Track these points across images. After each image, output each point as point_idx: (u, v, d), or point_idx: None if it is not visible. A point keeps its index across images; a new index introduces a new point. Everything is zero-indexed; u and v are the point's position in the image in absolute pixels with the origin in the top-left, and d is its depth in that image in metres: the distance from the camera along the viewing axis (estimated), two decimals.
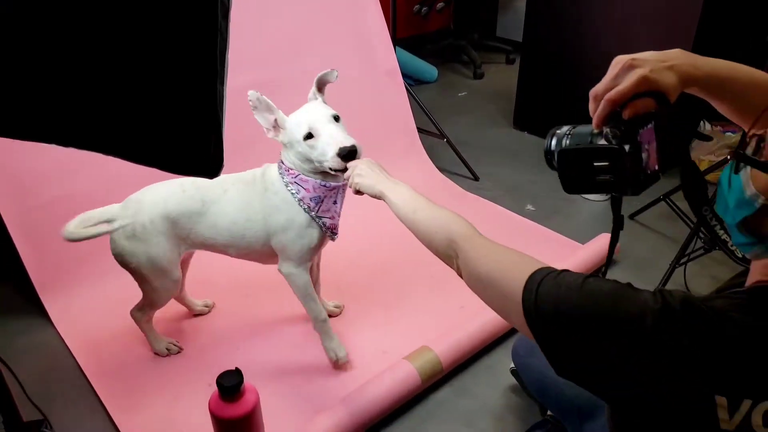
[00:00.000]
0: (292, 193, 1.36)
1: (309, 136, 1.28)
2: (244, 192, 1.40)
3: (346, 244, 2.02)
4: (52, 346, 1.63)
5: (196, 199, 1.39)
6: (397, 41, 3.45)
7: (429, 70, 3.62)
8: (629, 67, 0.78)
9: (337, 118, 1.31)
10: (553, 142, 0.87)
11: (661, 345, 0.64)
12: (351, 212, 1.58)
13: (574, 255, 1.85)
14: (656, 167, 0.82)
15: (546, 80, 2.76)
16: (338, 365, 1.52)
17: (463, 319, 1.61)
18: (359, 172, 1.19)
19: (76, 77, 0.75)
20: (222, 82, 0.80)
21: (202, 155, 0.81)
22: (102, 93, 0.77)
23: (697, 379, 0.63)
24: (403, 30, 3.93)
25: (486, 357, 1.59)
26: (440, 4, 3.86)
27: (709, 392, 0.63)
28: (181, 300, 1.67)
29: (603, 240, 1.93)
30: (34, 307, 1.72)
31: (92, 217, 1.38)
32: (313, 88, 1.37)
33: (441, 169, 2.52)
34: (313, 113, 1.30)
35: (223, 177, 1.42)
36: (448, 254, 0.95)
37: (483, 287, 0.87)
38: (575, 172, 0.84)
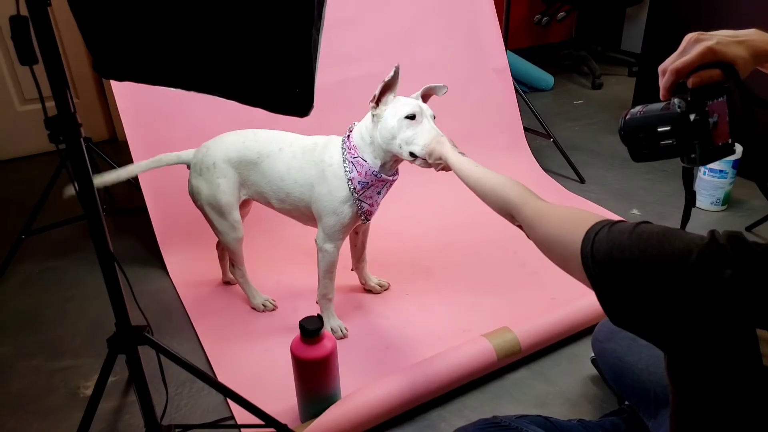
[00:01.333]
0: (345, 170, 1.43)
1: (411, 117, 1.35)
2: (299, 155, 1.50)
3: (439, 225, 2.10)
4: (165, 292, 1.82)
5: (253, 150, 1.52)
6: (516, 51, 3.48)
7: (545, 77, 3.59)
8: (696, 41, 0.80)
9: (434, 118, 1.40)
10: (627, 116, 0.89)
11: (703, 278, 0.64)
12: (445, 195, 1.64)
13: None
14: (729, 140, 0.83)
15: None
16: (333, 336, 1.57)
17: (550, 308, 1.61)
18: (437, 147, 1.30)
19: (200, 32, 0.87)
20: (318, 30, 0.88)
21: (295, 96, 0.91)
22: (218, 42, 0.89)
23: (738, 312, 0.62)
24: (523, 40, 3.94)
25: (569, 346, 1.57)
26: (561, 14, 3.83)
27: (751, 325, 0.61)
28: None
29: None
30: (156, 260, 1.94)
31: (166, 160, 1.58)
32: (418, 93, 1.44)
33: (546, 170, 2.50)
34: (422, 104, 1.39)
35: (281, 135, 1.55)
36: (515, 224, 1.01)
37: (547, 247, 0.89)
38: (641, 139, 0.86)
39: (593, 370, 1.47)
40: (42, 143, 2.81)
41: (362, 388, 1.33)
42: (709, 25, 2.58)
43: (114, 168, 1.56)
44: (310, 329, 1.24)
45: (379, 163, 1.43)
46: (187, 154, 1.59)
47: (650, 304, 0.69)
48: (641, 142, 0.86)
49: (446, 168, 1.29)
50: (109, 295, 0.98)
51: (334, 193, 1.45)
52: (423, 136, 1.34)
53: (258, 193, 1.57)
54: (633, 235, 0.72)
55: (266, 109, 0.92)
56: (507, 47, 2.55)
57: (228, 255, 1.71)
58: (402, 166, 1.49)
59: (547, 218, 0.90)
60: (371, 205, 1.48)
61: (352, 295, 1.77)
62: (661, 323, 0.70)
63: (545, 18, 3.88)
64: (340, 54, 2.14)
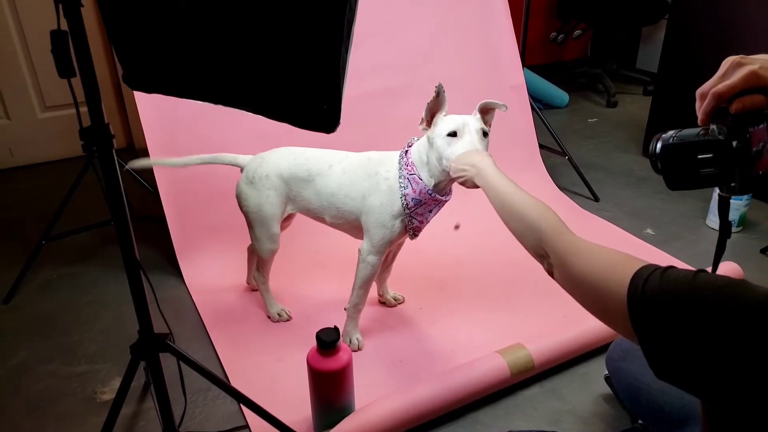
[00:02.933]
0: (401, 185, 1.44)
1: (453, 134, 1.34)
2: (350, 170, 1.51)
3: (454, 241, 2.11)
4: (181, 300, 1.84)
5: (304, 168, 1.54)
6: (531, 67, 3.50)
7: (560, 95, 3.61)
8: (738, 65, 0.76)
9: (485, 134, 1.37)
10: (659, 144, 0.85)
11: None
12: (461, 211, 1.65)
13: None
14: None
15: (680, 110, 2.65)
16: (350, 348, 1.58)
17: (563, 325, 1.61)
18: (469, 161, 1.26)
19: (231, 47, 0.90)
20: (346, 49, 0.90)
21: (323, 112, 0.93)
22: (249, 58, 0.91)
23: None
24: (538, 56, 3.97)
25: (582, 364, 1.57)
26: (577, 32, 3.85)
27: None
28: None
29: (727, 267, 1.83)
30: (173, 269, 1.96)
31: (223, 158, 1.63)
32: (476, 109, 1.41)
33: (560, 188, 2.51)
34: (466, 119, 1.37)
35: (330, 153, 1.57)
36: (539, 253, 0.95)
37: (580, 287, 0.84)
38: (679, 166, 0.82)
39: (606, 389, 1.47)
40: (62, 149, 2.86)
41: (376, 400, 1.33)
42: (726, 46, 2.58)
43: (137, 178, 1.59)
44: (327, 341, 1.25)
45: (433, 182, 1.42)
46: (244, 158, 1.63)
47: (710, 360, 0.64)
48: (679, 170, 0.82)
49: (470, 182, 1.23)
50: (134, 303, 1.00)
51: (386, 206, 1.46)
52: (457, 150, 1.32)
53: (307, 209, 1.59)
54: (693, 285, 0.67)
55: (293, 124, 0.94)
56: (523, 64, 2.57)
57: (257, 261, 1.72)
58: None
59: (585, 255, 0.84)
60: (421, 222, 1.48)
61: (366, 309, 1.78)
62: (719, 379, 0.65)
63: (561, 35, 3.90)
64: (358, 68, 2.15)
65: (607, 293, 0.76)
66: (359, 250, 1.53)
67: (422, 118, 1.40)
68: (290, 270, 1.93)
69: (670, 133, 0.85)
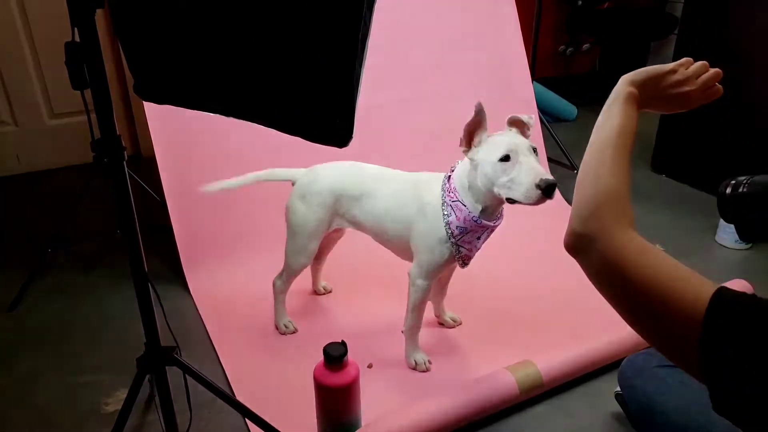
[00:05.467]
0: (444, 213, 1.38)
1: (506, 158, 1.25)
2: (401, 192, 1.49)
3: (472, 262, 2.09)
4: (186, 311, 1.83)
5: (357, 186, 1.53)
6: (539, 80, 3.50)
7: (569, 108, 3.60)
8: None
9: (535, 150, 1.29)
10: (729, 190, 0.82)
11: None
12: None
13: None
14: None
15: (688, 124, 2.67)
16: (417, 369, 1.57)
17: (572, 342, 1.59)
18: None
19: (245, 61, 0.89)
20: (360, 64, 0.90)
21: (335, 127, 0.92)
22: (263, 72, 0.90)
23: None
24: (547, 70, 3.97)
25: (592, 381, 1.55)
26: (586, 45, 3.85)
27: None
28: (314, 273, 1.84)
29: (737, 285, 1.81)
30: (178, 279, 1.95)
31: (277, 174, 1.63)
32: (506, 124, 1.38)
33: (568, 201, 2.50)
34: (515, 138, 1.29)
35: (383, 172, 1.55)
36: (584, 231, 0.76)
37: (637, 293, 0.70)
38: (755, 216, 0.80)
39: (616, 406, 1.45)
40: (69, 157, 2.87)
41: (383, 416, 1.32)
42: (735, 62, 2.57)
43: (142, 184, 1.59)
44: (335, 355, 1.24)
45: (480, 207, 1.35)
46: (297, 172, 1.62)
47: None
48: (754, 220, 0.79)
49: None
50: (142, 317, 1.00)
51: (432, 232, 1.41)
52: (523, 181, 1.22)
53: (355, 223, 1.58)
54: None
55: (306, 138, 0.94)
56: (533, 77, 2.57)
57: (284, 270, 1.68)
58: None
59: (653, 257, 0.71)
60: (470, 250, 1.42)
61: (374, 324, 1.77)
62: None
63: (570, 49, 3.91)
64: (369, 80, 2.16)
65: (675, 308, 0.66)
66: (409, 274, 1.51)
67: (461, 139, 1.33)
68: (298, 282, 1.93)
69: (742, 179, 0.82)
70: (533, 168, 1.23)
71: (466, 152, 1.34)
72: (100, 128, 0.87)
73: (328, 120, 0.91)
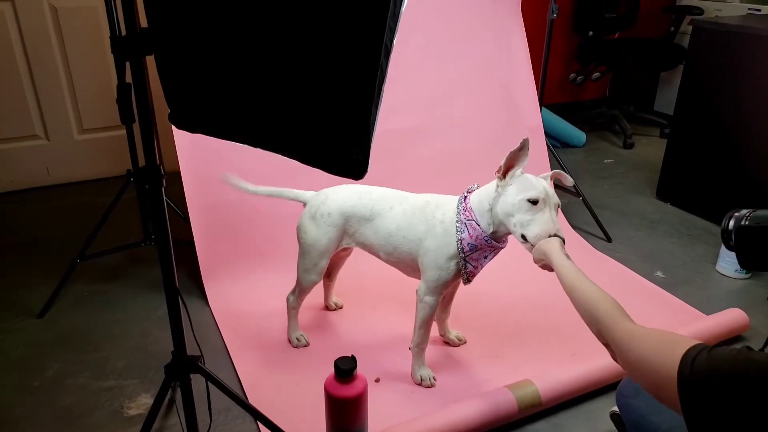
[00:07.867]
0: (457, 229, 1.49)
1: (535, 202, 1.37)
2: (410, 212, 1.58)
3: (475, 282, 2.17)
4: (204, 323, 1.93)
5: (367, 207, 1.62)
6: (549, 106, 3.60)
7: (577, 134, 3.69)
8: None
9: (558, 206, 1.42)
10: (731, 222, 0.89)
11: None
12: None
13: (694, 324, 1.83)
14: None
15: (695, 153, 2.74)
16: (422, 385, 1.65)
17: (571, 363, 1.67)
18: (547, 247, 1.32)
19: (275, 99, 1.00)
20: (376, 106, 1.00)
21: (353, 161, 1.02)
22: (290, 110, 1.01)
23: None
24: (557, 96, 4.06)
25: (589, 402, 1.62)
26: (596, 74, 3.94)
27: None
28: (326, 289, 1.94)
29: (733, 314, 1.88)
30: (197, 290, 2.06)
31: (287, 193, 1.72)
32: (547, 174, 1.48)
33: (574, 227, 2.58)
34: (548, 190, 1.40)
35: (392, 194, 1.65)
36: (602, 341, 1.03)
37: (638, 371, 0.89)
38: (756, 247, 0.86)
39: (611, 426, 1.52)
40: (96, 170, 3.01)
41: (388, 429, 1.40)
42: (740, 91, 2.64)
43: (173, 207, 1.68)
44: (345, 369, 1.33)
45: (491, 230, 1.46)
46: (307, 194, 1.71)
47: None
48: (756, 250, 0.86)
49: (548, 267, 1.29)
50: (171, 327, 1.09)
51: (442, 248, 1.51)
52: (539, 226, 1.35)
53: (364, 244, 1.67)
54: (737, 363, 0.72)
55: (325, 170, 1.04)
56: (542, 104, 2.66)
57: (296, 287, 1.77)
58: None
59: (638, 340, 0.90)
60: (475, 267, 1.52)
61: (382, 339, 1.86)
62: None
63: (580, 77, 4.00)
64: (383, 107, 2.27)
65: (660, 373, 0.81)
66: (416, 291, 1.60)
67: (500, 167, 1.42)
68: (310, 297, 2.02)
69: (744, 212, 0.89)
70: (553, 221, 1.36)
71: (500, 180, 1.44)
72: (145, 158, 0.97)
73: (346, 155, 1.01)
